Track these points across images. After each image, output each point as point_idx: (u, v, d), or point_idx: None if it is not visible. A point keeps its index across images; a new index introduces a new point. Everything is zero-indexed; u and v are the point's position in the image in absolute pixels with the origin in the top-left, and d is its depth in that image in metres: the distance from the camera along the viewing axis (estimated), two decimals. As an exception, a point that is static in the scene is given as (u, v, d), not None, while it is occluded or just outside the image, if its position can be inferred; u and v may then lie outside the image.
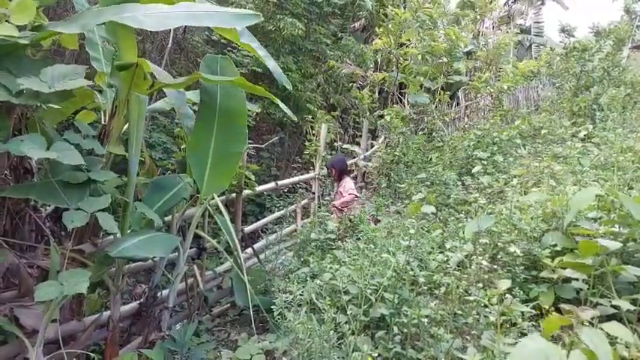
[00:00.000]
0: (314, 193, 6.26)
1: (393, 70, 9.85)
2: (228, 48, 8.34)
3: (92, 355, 2.65)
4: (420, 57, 8.77)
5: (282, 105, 3.18)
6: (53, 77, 1.99)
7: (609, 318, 1.82)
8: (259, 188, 4.91)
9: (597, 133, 5.88)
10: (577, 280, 2.23)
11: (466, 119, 10.26)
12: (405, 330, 2.22)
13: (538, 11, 17.86)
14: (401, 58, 8.98)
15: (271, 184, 5.52)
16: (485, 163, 5.74)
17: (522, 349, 1.09)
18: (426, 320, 2.18)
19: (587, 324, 1.40)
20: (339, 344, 2.14)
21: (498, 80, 9.50)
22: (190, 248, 3.56)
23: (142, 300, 3.20)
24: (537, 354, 1.07)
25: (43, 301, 2.09)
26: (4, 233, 2.45)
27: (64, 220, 2.11)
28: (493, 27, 14.61)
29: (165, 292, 3.40)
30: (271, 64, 2.92)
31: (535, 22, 17.55)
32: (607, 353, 1.09)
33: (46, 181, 2.28)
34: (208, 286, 4.12)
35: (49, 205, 2.82)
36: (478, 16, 10.74)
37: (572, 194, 2.79)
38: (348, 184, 5.19)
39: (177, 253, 3.32)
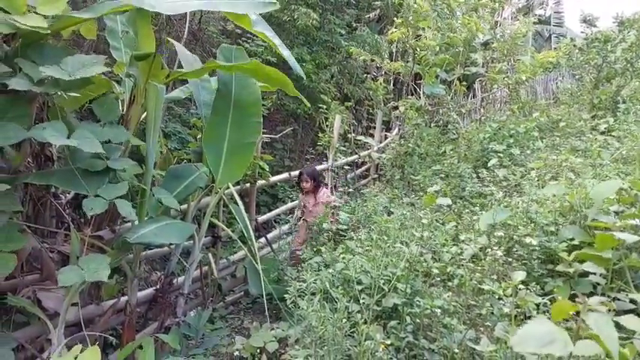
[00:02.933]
0: (327, 185, 6.27)
1: (408, 61, 9.75)
2: (243, 38, 8.34)
3: (110, 338, 2.72)
4: (437, 47, 8.65)
5: (299, 94, 3.18)
6: (73, 66, 2.03)
7: (627, 313, 1.80)
8: (273, 179, 4.94)
9: (618, 126, 5.74)
10: (594, 274, 2.19)
11: (482, 111, 10.11)
12: (418, 320, 2.23)
13: (558, 1, 17.42)
14: (417, 49, 8.86)
15: (284, 175, 5.54)
16: (501, 155, 5.66)
17: (528, 330, 1.10)
18: (439, 311, 2.18)
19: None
20: (351, 333, 2.15)
21: (516, 72, 9.31)
22: (205, 237, 3.61)
23: (157, 286, 3.26)
24: (543, 336, 1.07)
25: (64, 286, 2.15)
26: (26, 219, 2.52)
27: (83, 207, 2.16)
28: (512, 17, 14.29)
29: (180, 279, 3.46)
30: (286, 53, 2.92)
31: (555, 12, 17.12)
32: (613, 338, 1.08)
33: (66, 168, 2.33)
34: (222, 274, 4.18)
35: (69, 193, 2.89)
36: (497, 5, 10.49)
37: (591, 187, 2.74)
38: (328, 196, 4.69)
39: (192, 242, 3.37)
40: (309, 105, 3.54)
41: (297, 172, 6.02)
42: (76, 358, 1.98)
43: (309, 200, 4.60)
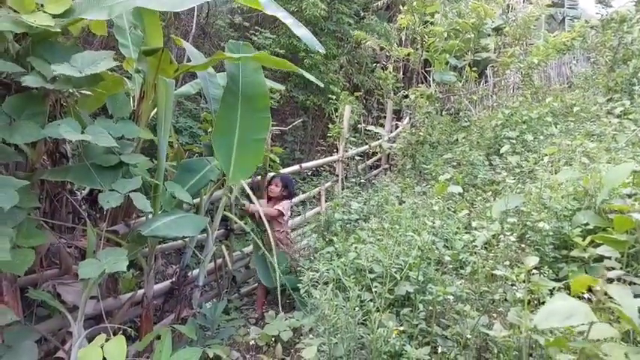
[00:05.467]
0: (338, 176, 6.27)
1: (417, 49, 9.65)
2: (251, 31, 8.35)
3: (129, 329, 2.78)
4: (444, 34, 8.54)
5: (307, 74, 3.16)
6: (83, 63, 2.06)
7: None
8: (283, 171, 4.96)
9: (635, 109, 5.62)
10: (609, 258, 2.17)
11: (494, 97, 9.98)
12: (430, 307, 2.23)
13: (572, -18, 16.98)
14: (426, 36, 8.76)
15: (295, 167, 5.56)
16: (514, 142, 5.60)
17: (550, 305, 1.10)
18: (451, 298, 2.18)
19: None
20: (364, 321, 2.17)
21: (528, 57, 9.15)
22: (218, 230, 3.65)
23: (173, 279, 3.32)
24: (564, 309, 1.08)
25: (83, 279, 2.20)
26: (43, 215, 2.58)
27: (99, 201, 2.20)
28: (523, 0, 14.01)
29: (195, 272, 3.52)
30: (300, 31, 2.88)
31: (569, -6, 16.73)
32: (633, 307, 1.08)
33: (80, 164, 2.37)
34: (236, 266, 4.23)
35: (84, 189, 2.95)
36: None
37: (605, 172, 2.70)
38: (286, 206, 4.07)
39: (205, 235, 3.41)
40: (322, 85, 3.49)
41: (308, 164, 6.03)
42: (102, 347, 2.04)
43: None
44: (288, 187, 4.09)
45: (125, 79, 3.01)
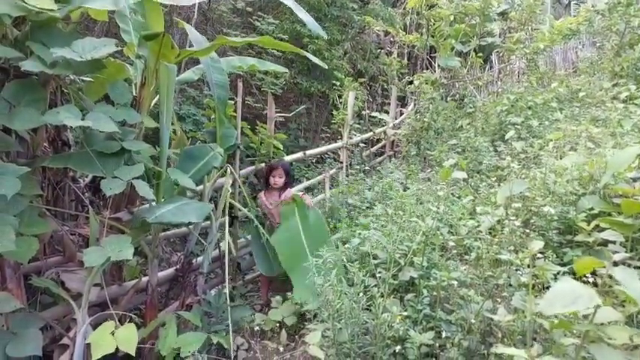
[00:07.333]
0: (342, 163, 6.24)
1: (422, 34, 9.53)
2: (254, 17, 8.26)
3: (133, 316, 2.80)
4: (451, 17, 8.41)
5: (311, 56, 3.14)
6: (84, 48, 2.03)
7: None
8: (287, 158, 4.93)
9: (641, 93, 5.54)
10: (614, 243, 2.15)
11: (499, 83, 9.85)
12: (435, 293, 2.23)
13: (579, -35, 16.64)
14: (431, 19, 8.64)
15: (299, 154, 5.53)
16: (519, 128, 5.55)
17: (554, 290, 1.09)
18: (455, 283, 2.18)
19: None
20: (368, 306, 2.17)
21: (534, 42, 9.02)
22: (222, 217, 3.64)
23: (177, 266, 3.33)
24: (568, 294, 1.06)
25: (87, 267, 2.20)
26: (46, 203, 2.58)
27: (102, 187, 2.19)
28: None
29: (199, 259, 3.53)
30: (302, 15, 2.89)
31: (576, -23, 16.42)
32: (638, 290, 1.07)
33: (82, 151, 2.35)
34: (241, 253, 4.24)
35: (87, 177, 2.94)
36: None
37: (610, 156, 2.67)
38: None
39: (209, 222, 3.41)
40: (325, 66, 3.47)
41: (312, 151, 5.98)
42: (112, 333, 2.06)
43: (270, 199, 3.92)
44: (289, 174, 4.04)
45: (127, 65, 2.98)
